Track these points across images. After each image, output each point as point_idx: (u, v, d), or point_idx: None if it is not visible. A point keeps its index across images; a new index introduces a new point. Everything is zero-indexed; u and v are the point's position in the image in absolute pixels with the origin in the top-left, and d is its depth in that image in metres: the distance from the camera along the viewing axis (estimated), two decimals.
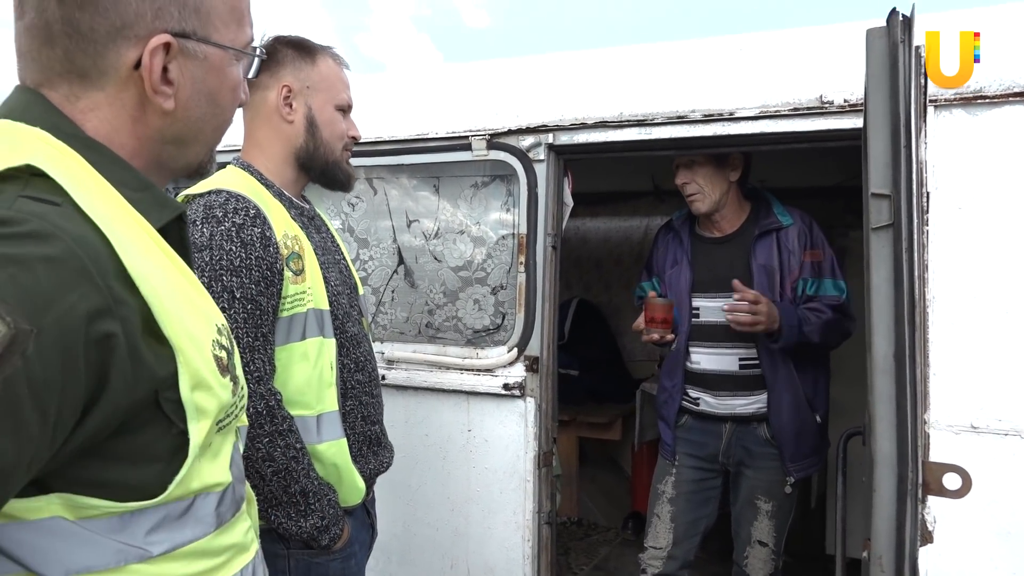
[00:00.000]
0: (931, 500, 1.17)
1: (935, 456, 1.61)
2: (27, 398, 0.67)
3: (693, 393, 2.62)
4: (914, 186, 1.14)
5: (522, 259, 2.51)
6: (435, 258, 2.74)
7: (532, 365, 2.49)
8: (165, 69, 0.88)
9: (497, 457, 2.54)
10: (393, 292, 2.80)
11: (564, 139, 2.47)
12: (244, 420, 1.09)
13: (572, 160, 2.59)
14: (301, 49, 1.73)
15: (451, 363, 2.61)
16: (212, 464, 0.89)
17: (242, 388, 0.97)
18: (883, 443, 1.17)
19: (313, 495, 1.53)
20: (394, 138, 2.70)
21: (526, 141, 2.51)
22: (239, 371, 0.96)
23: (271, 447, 1.48)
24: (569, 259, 5.21)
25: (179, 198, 1.58)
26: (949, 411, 1.73)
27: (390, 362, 2.69)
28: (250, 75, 1.03)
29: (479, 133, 2.56)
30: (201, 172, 1.03)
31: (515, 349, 2.51)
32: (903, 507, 1.16)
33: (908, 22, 1.15)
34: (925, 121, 1.16)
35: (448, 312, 2.72)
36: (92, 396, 0.73)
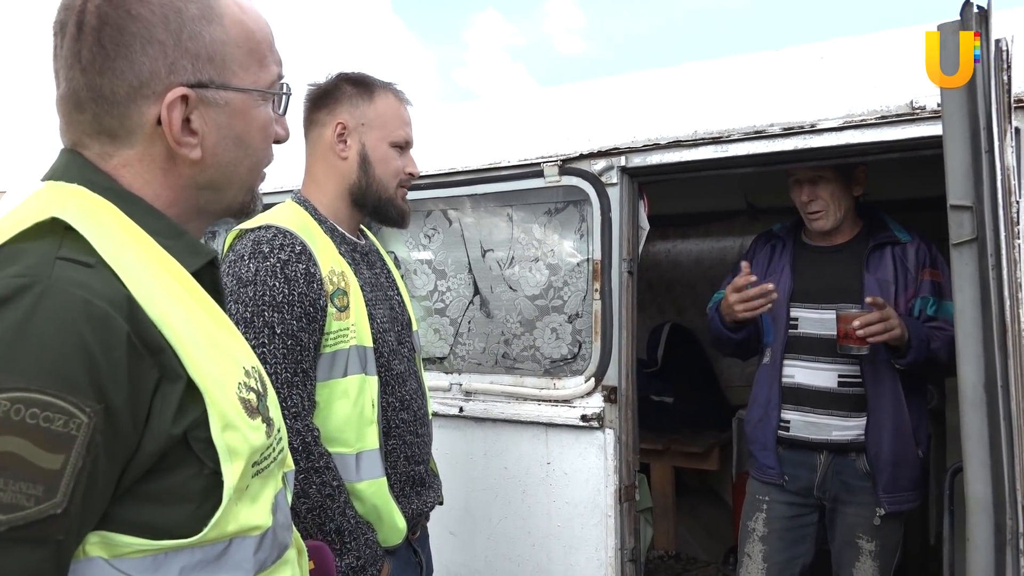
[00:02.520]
0: None
1: None
2: (102, 466, 0.74)
3: (785, 415, 2.45)
4: (999, 195, 1.01)
5: (597, 286, 2.44)
6: (510, 287, 2.70)
7: (610, 395, 2.41)
8: (188, 120, 0.90)
9: (577, 491, 2.46)
10: (470, 323, 2.78)
11: (637, 161, 2.39)
12: (290, 464, 1.08)
13: (647, 182, 2.50)
14: (360, 86, 1.74)
15: (528, 394, 2.56)
16: (251, 508, 0.89)
17: (279, 431, 0.96)
18: (976, 485, 1.03)
19: (349, 534, 1.51)
20: (467, 168, 2.70)
21: (598, 165, 2.44)
22: (273, 413, 0.96)
23: (306, 484, 1.47)
24: (661, 283, 5.07)
25: (233, 233, 1.62)
26: None
27: (468, 393, 2.67)
28: (280, 112, 1.03)
29: (550, 159, 2.52)
30: (245, 212, 1.05)
31: (592, 379, 2.44)
32: (1002, 559, 1.02)
33: (985, 14, 1.03)
34: (1010, 122, 1.03)
35: (525, 342, 2.67)
36: (138, 444, 0.78)
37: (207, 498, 0.83)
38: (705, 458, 4.10)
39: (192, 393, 0.82)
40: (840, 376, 2.35)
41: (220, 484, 0.83)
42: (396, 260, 2.93)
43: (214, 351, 0.87)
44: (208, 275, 0.96)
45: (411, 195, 2.77)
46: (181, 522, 0.81)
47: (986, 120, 1.02)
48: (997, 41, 1.03)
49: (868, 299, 2.20)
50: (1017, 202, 1.02)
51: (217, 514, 0.83)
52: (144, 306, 0.80)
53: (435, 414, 2.66)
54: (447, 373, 2.73)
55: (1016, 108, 1.54)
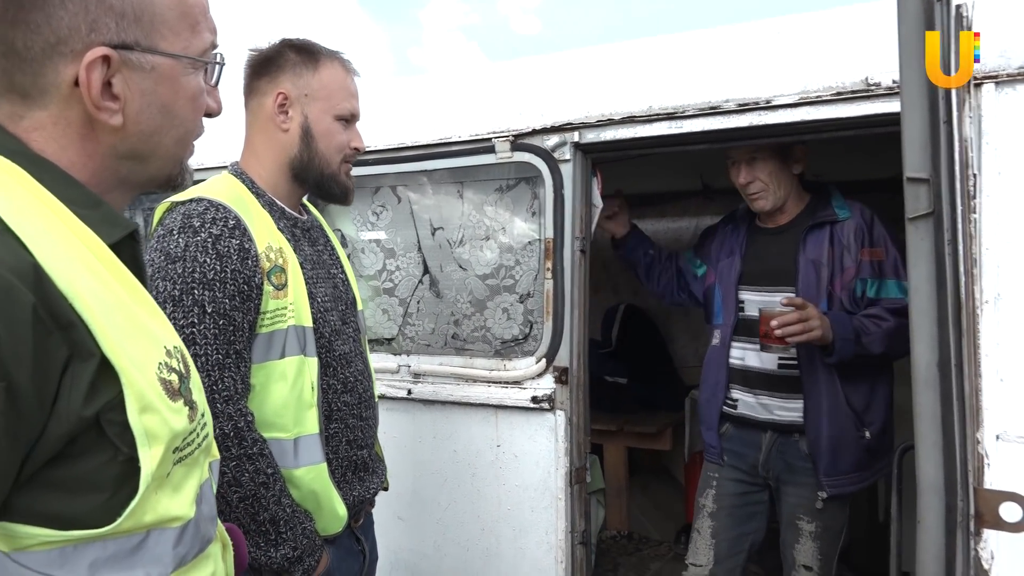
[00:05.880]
0: (987, 532, 1.00)
1: (1002, 472, 1.42)
2: (4, 449, 0.67)
3: (734, 394, 2.46)
4: (957, 168, 0.97)
5: (549, 265, 2.39)
6: (461, 266, 2.63)
7: (561, 376, 2.36)
8: (109, 84, 0.83)
9: (527, 474, 2.41)
10: (419, 303, 2.70)
11: (591, 137, 2.33)
12: (215, 453, 1.02)
13: (601, 159, 2.45)
14: (304, 54, 1.65)
15: (478, 375, 2.50)
16: (172, 498, 0.83)
17: (203, 415, 0.90)
18: (927, 467, 1.01)
19: (285, 523, 1.44)
20: (417, 143, 2.61)
21: (551, 141, 2.38)
22: (197, 396, 0.90)
23: (238, 471, 1.39)
24: (616, 263, 5.04)
25: (163, 206, 1.53)
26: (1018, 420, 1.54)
27: (416, 375, 2.60)
28: (212, 83, 0.96)
29: (502, 134, 2.44)
30: (172, 185, 0.99)
31: (543, 360, 2.38)
32: (952, 541, 0.99)
33: None
34: (969, 92, 1.00)
35: (476, 322, 2.61)
36: (44, 426, 0.71)
37: (122, 486, 0.77)
38: (658, 438, 4.11)
39: (106, 373, 0.75)
40: (780, 359, 2.35)
41: (136, 471, 0.77)
42: (343, 238, 2.84)
43: (132, 328, 0.80)
44: (128, 249, 0.89)
45: (358, 171, 2.69)
46: (92, 511, 0.75)
47: (945, 91, 0.98)
48: (958, 7, 0.99)
49: (784, 299, 2.22)
50: (974, 175, 0.98)
51: (133, 503, 0.77)
52: (53, 277, 0.73)
53: (383, 396, 2.60)
54: (395, 355, 2.66)
55: (1007, 80, 1.51)
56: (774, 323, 2.17)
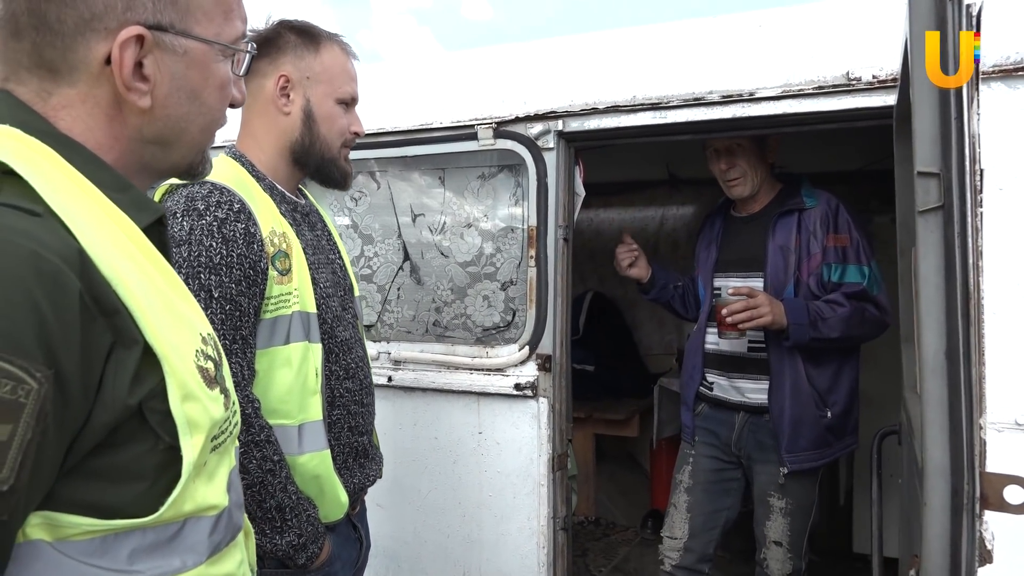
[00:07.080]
0: (988, 515, 1.05)
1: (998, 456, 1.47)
2: (51, 438, 0.66)
3: (709, 377, 2.55)
4: (966, 163, 1.02)
5: (532, 253, 2.40)
6: (442, 253, 2.63)
7: (544, 364, 2.38)
8: (140, 64, 0.82)
9: (509, 460, 2.43)
10: (399, 290, 2.69)
11: (574, 125, 2.35)
12: (237, 441, 1.01)
13: (584, 148, 2.46)
14: (305, 36, 1.62)
15: (460, 363, 2.50)
16: (207, 486, 0.83)
17: (234, 403, 0.89)
18: (934, 451, 1.05)
19: (290, 511, 1.43)
20: (397, 129, 2.59)
21: (534, 129, 2.38)
22: (229, 383, 0.89)
23: (245, 458, 1.38)
24: (583, 251, 5.07)
25: (163, 188, 1.49)
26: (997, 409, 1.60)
27: (396, 363, 2.59)
28: (240, 72, 0.94)
29: (485, 121, 2.44)
30: (192, 173, 0.96)
31: (526, 347, 2.40)
32: (958, 523, 1.04)
33: None
34: (978, 89, 1.04)
35: (456, 309, 2.61)
36: (88, 415, 0.70)
37: (161, 475, 0.76)
38: (626, 425, 4.16)
39: (149, 360, 0.74)
40: (750, 342, 2.42)
41: (176, 460, 0.77)
42: None
43: (170, 315, 0.79)
44: (156, 234, 0.87)
45: None
46: (134, 501, 0.74)
47: (955, 87, 1.02)
48: (967, 6, 1.03)
49: (730, 290, 2.34)
50: (981, 170, 1.02)
51: (175, 492, 0.76)
52: (97, 262, 0.72)
53: None
54: (375, 342, 2.64)
55: (983, 78, 1.57)
56: (724, 312, 2.30)
